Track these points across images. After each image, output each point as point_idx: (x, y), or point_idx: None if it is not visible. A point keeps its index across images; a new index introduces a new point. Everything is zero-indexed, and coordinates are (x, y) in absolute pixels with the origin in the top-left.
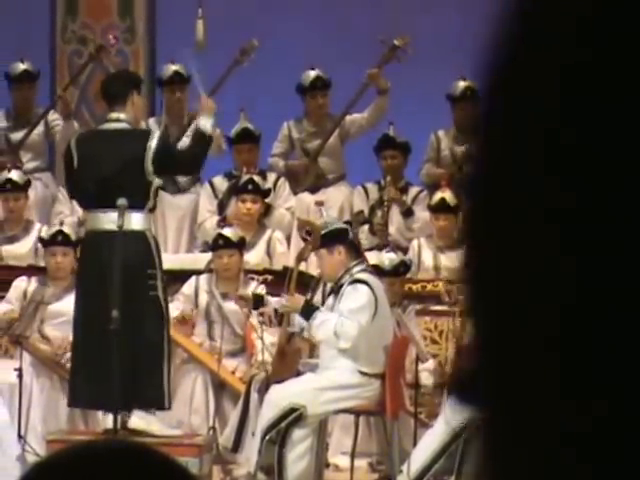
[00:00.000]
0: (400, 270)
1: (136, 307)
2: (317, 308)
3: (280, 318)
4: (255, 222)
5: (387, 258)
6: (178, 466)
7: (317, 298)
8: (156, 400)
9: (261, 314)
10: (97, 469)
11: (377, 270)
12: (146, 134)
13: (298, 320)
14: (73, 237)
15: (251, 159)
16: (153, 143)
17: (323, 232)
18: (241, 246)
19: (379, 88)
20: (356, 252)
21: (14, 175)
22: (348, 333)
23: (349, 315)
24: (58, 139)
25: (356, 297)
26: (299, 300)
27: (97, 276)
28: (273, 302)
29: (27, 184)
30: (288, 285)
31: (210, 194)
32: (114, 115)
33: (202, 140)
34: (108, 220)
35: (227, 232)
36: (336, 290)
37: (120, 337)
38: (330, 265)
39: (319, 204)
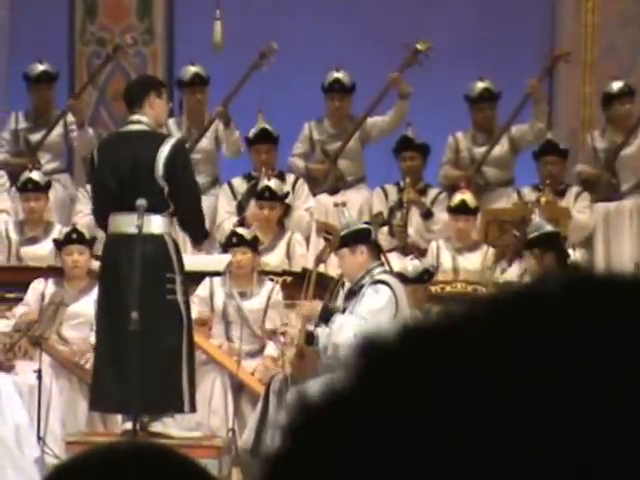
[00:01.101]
0: (424, 277)
1: (154, 311)
2: (335, 312)
3: (302, 325)
4: (274, 225)
5: (411, 265)
6: (198, 467)
7: (339, 302)
8: (174, 405)
9: (282, 334)
10: (118, 471)
11: (401, 277)
12: (161, 138)
13: (322, 339)
14: (87, 235)
15: (269, 160)
16: (166, 148)
17: (345, 232)
18: (254, 245)
19: (400, 92)
20: (378, 253)
21: (35, 175)
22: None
23: (369, 316)
24: (76, 145)
25: (377, 298)
26: (316, 305)
27: (117, 278)
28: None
29: (47, 185)
30: (307, 287)
31: (229, 195)
32: (134, 117)
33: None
34: (127, 222)
35: (241, 230)
36: (356, 291)
37: (139, 339)
38: (351, 265)
39: (341, 205)
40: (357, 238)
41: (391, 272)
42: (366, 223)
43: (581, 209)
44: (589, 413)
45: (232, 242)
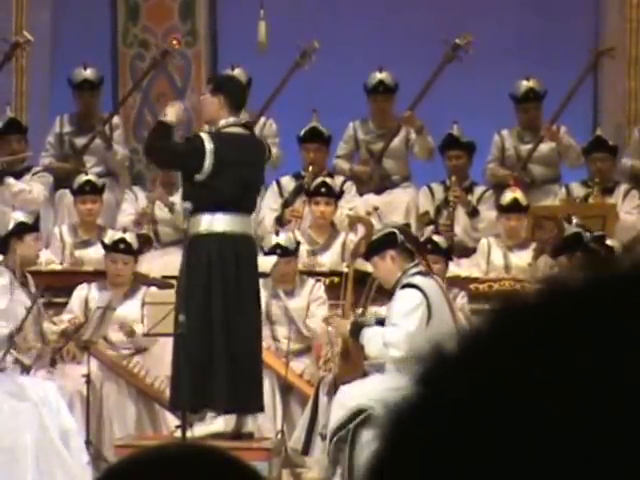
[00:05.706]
0: None
1: (256, 311)
2: (363, 326)
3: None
4: (329, 225)
5: None
6: (249, 469)
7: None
8: (261, 404)
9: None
10: (167, 473)
11: None
12: (260, 140)
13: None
14: (135, 246)
15: (318, 159)
16: (266, 149)
17: (372, 240)
18: (296, 251)
19: (414, 128)
20: (410, 255)
21: (92, 177)
22: (395, 341)
23: (398, 319)
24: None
25: (403, 302)
26: (345, 324)
27: (228, 276)
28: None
29: (103, 188)
30: (345, 284)
31: (276, 192)
32: (232, 120)
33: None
34: (243, 223)
35: (282, 240)
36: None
37: (251, 340)
38: (385, 271)
39: (373, 209)
40: (384, 244)
41: (427, 273)
42: (406, 224)
43: (629, 210)
44: None
45: (277, 254)
